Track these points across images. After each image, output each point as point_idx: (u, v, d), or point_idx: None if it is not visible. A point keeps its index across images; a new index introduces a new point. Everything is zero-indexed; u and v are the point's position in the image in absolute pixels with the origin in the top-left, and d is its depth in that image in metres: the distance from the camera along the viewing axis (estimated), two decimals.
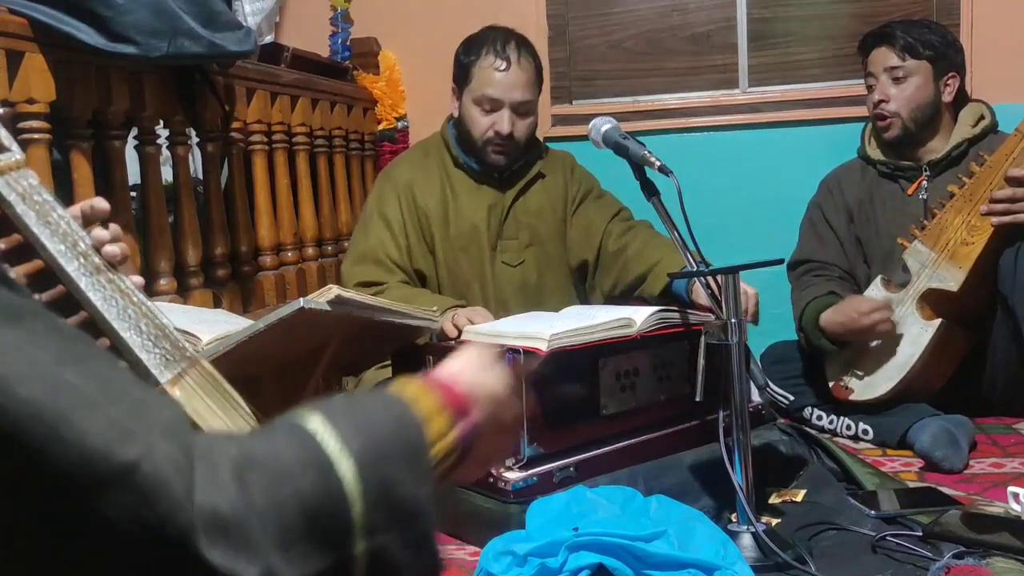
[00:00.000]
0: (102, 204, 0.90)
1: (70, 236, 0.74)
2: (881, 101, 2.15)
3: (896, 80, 2.14)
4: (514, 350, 1.46)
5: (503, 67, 2.10)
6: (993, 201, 1.92)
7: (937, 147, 2.18)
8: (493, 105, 2.10)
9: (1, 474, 0.42)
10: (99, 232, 0.83)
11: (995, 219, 1.92)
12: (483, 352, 0.79)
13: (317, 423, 0.56)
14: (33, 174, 0.73)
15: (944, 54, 2.15)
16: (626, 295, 2.13)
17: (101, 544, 0.43)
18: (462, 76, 2.16)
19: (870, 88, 2.20)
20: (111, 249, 0.81)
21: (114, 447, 0.44)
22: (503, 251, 2.19)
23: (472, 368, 0.76)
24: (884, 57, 2.16)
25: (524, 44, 2.16)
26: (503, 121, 2.10)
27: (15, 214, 0.71)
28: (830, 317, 2.05)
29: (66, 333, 0.48)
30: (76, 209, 0.88)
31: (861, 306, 2.00)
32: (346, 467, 0.54)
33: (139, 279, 0.86)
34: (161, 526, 0.44)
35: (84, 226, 0.85)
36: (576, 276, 2.28)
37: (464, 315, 1.82)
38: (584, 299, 2.28)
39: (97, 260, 0.76)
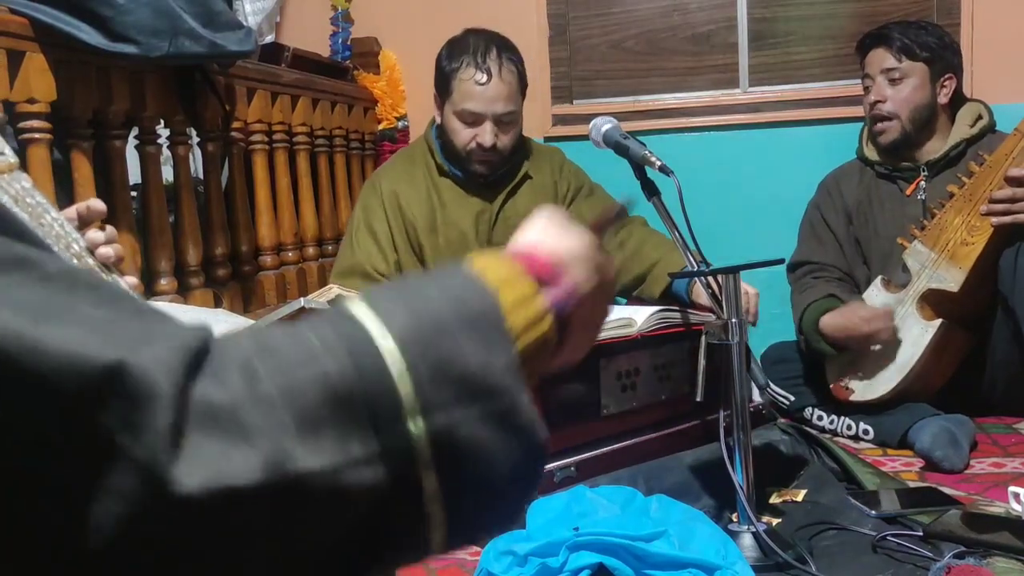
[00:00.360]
0: (98, 205, 0.89)
1: (63, 238, 0.74)
2: (877, 102, 2.16)
3: (892, 81, 2.14)
4: None
5: (484, 80, 2.03)
6: (993, 201, 1.92)
7: (934, 148, 2.18)
8: (475, 119, 2.05)
9: None
10: (94, 234, 0.82)
11: (995, 219, 1.92)
12: (556, 214, 0.69)
13: (356, 305, 0.51)
14: (26, 176, 0.73)
15: (941, 55, 2.15)
16: (624, 295, 2.13)
17: (90, 452, 0.40)
18: (443, 86, 2.10)
19: (867, 89, 2.20)
20: (105, 251, 0.80)
21: (93, 349, 0.41)
22: None
23: (551, 232, 0.67)
24: (881, 58, 2.16)
25: (505, 50, 2.08)
26: (486, 134, 2.05)
27: None
28: (830, 322, 2.04)
29: (61, 281, 0.44)
30: (72, 211, 0.88)
31: (862, 312, 2.00)
32: (386, 342, 0.48)
33: (133, 279, 0.86)
34: (146, 427, 0.40)
35: (81, 227, 0.85)
36: None
37: None
38: None
39: (91, 261, 0.76)
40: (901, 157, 2.21)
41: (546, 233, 0.66)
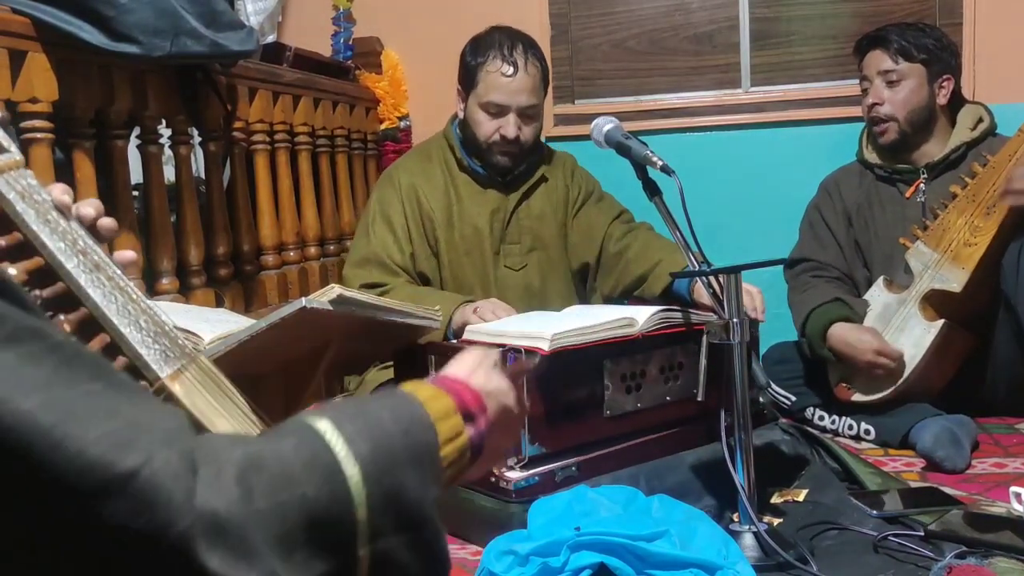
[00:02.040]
0: (87, 211, 0.88)
1: (69, 234, 0.75)
2: (875, 104, 2.16)
3: (890, 83, 2.14)
4: (516, 349, 1.47)
5: (510, 72, 2.08)
6: (1011, 191, 1.91)
7: (933, 150, 2.18)
8: (500, 110, 2.10)
9: (4, 486, 0.43)
10: (84, 209, 0.81)
11: (1011, 199, 1.90)
12: (489, 353, 0.81)
13: (325, 426, 0.56)
14: (31, 174, 0.74)
15: (938, 57, 2.15)
16: (626, 295, 2.13)
17: (101, 552, 0.44)
18: (468, 79, 2.14)
19: (864, 91, 2.21)
20: (128, 255, 0.81)
21: (114, 455, 0.44)
22: (506, 255, 2.19)
23: (481, 368, 0.78)
24: (878, 60, 2.16)
25: (531, 47, 2.14)
26: (509, 126, 2.09)
27: (15, 212, 0.72)
28: (841, 335, 2.02)
29: (67, 351, 0.48)
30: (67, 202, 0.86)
31: (874, 344, 1.97)
32: (353, 471, 0.54)
33: (131, 254, 0.85)
34: (160, 533, 0.44)
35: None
36: (577, 279, 2.27)
37: (488, 308, 1.82)
38: (585, 302, 2.27)
39: (96, 258, 0.76)
40: (900, 159, 2.21)
41: (477, 371, 0.77)
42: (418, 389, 0.68)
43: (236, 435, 0.56)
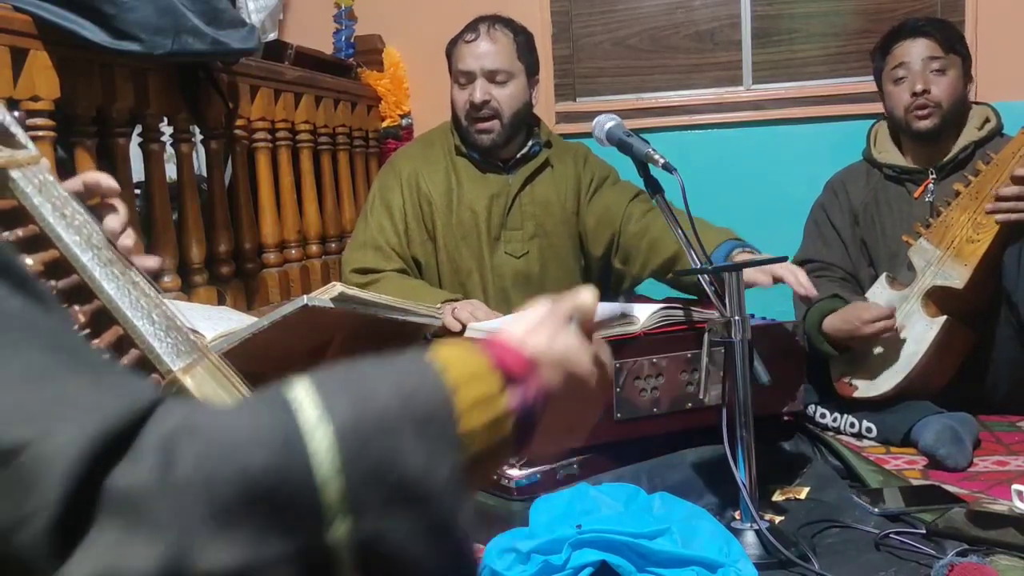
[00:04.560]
0: (109, 182, 0.87)
1: (84, 229, 0.76)
2: (924, 91, 2.10)
3: (936, 71, 2.12)
4: None
5: (471, 38, 2.13)
6: (999, 199, 1.92)
7: (947, 148, 2.17)
8: (467, 78, 2.13)
9: None
10: (111, 221, 0.82)
11: (1000, 216, 1.91)
12: (558, 307, 0.66)
13: (300, 391, 0.49)
14: (48, 167, 0.75)
15: (968, 53, 2.16)
16: (656, 277, 2.10)
17: None
18: (449, 66, 2.20)
19: (898, 80, 2.15)
20: (125, 242, 0.81)
21: (4, 428, 0.40)
22: (507, 241, 2.18)
23: (544, 327, 0.64)
24: (924, 48, 2.12)
25: (500, 20, 2.17)
26: (475, 90, 2.11)
27: (32, 205, 0.73)
28: (833, 323, 2.04)
29: (16, 330, 0.44)
30: (78, 182, 0.87)
31: (864, 314, 1.99)
32: (321, 438, 0.46)
33: (153, 262, 0.85)
34: (27, 521, 0.39)
35: (86, 199, 0.85)
36: (598, 266, 2.22)
37: (465, 309, 1.81)
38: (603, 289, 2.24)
39: (110, 253, 0.77)
40: (913, 156, 2.20)
41: (535, 330, 0.63)
42: (441, 350, 0.57)
43: (192, 401, 0.50)
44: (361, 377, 0.52)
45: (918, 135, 2.15)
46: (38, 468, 0.39)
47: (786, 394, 1.69)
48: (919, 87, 2.11)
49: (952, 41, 2.13)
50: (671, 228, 1.55)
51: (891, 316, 1.97)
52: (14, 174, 0.73)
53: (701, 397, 1.59)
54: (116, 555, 0.40)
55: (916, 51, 2.14)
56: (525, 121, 2.21)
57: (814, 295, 1.69)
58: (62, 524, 0.39)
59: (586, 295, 0.68)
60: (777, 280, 1.69)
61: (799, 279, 1.67)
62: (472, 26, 2.16)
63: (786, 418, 1.78)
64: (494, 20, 2.17)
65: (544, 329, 0.63)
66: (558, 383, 0.62)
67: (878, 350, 2.02)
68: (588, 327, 0.67)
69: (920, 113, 2.12)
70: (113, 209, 0.85)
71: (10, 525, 0.39)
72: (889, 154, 2.24)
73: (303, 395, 0.49)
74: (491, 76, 2.11)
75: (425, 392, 0.52)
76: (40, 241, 0.73)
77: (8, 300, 0.45)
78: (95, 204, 0.86)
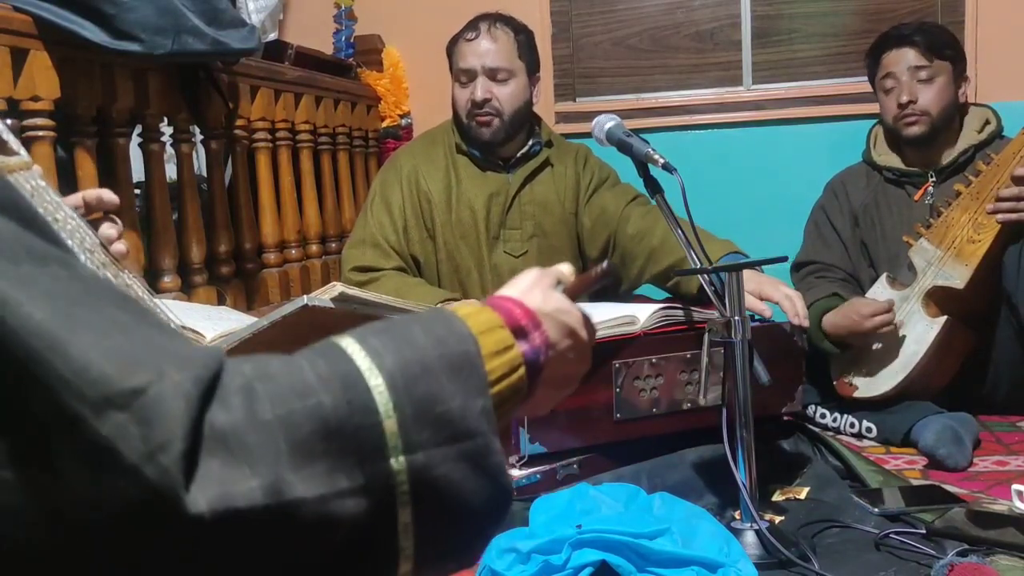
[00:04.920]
0: (110, 196, 0.91)
1: (77, 233, 0.76)
2: (910, 102, 2.12)
3: (922, 81, 2.12)
4: None
5: (472, 36, 2.14)
6: (999, 199, 1.92)
7: (946, 151, 2.17)
8: (468, 76, 2.14)
9: (3, 391, 0.42)
10: (107, 229, 0.84)
11: (1001, 216, 1.91)
12: (546, 273, 0.74)
13: (348, 341, 0.54)
14: (40, 173, 0.75)
15: (960, 55, 2.16)
16: (656, 283, 2.10)
17: (97, 466, 0.43)
18: (450, 64, 2.21)
19: (888, 91, 2.17)
20: (119, 247, 0.82)
21: (122, 372, 0.43)
22: (506, 240, 2.19)
23: (537, 288, 0.71)
24: (908, 57, 2.13)
25: (501, 18, 2.18)
26: (477, 88, 2.11)
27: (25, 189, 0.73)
28: (832, 320, 2.04)
29: (92, 282, 0.48)
30: (78, 198, 0.89)
31: (863, 309, 1.99)
32: (376, 380, 0.51)
33: (122, 247, 0.87)
34: (158, 453, 0.43)
35: (87, 214, 0.87)
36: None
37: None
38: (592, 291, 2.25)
39: (103, 256, 0.77)
40: (912, 159, 2.20)
41: (530, 291, 0.70)
42: (460, 307, 0.63)
43: (252, 356, 0.52)
44: (397, 328, 0.57)
45: (908, 141, 2.17)
46: (162, 405, 0.43)
47: (785, 394, 1.70)
48: (904, 98, 2.13)
49: (938, 47, 2.12)
50: (671, 228, 1.55)
51: (889, 310, 1.97)
52: (7, 180, 0.72)
53: (701, 397, 1.59)
54: (226, 485, 0.44)
55: (902, 60, 2.15)
56: (526, 120, 2.21)
57: (805, 325, 1.70)
58: (186, 454, 0.43)
59: (565, 267, 0.77)
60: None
61: (796, 308, 1.68)
62: (473, 24, 2.17)
63: (785, 418, 1.78)
64: (495, 19, 2.17)
65: (537, 290, 0.71)
66: (557, 336, 0.69)
67: (878, 350, 2.02)
68: (571, 290, 0.75)
69: (907, 121, 2.14)
70: (111, 220, 0.87)
71: (143, 453, 0.42)
72: (888, 157, 2.24)
73: (349, 344, 0.53)
74: (492, 74, 2.12)
75: (455, 339, 0.57)
76: None
77: (81, 266, 0.50)
78: (95, 219, 0.88)
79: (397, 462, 0.50)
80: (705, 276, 1.51)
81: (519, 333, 0.64)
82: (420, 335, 0.56)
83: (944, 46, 2.13)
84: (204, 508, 0.43)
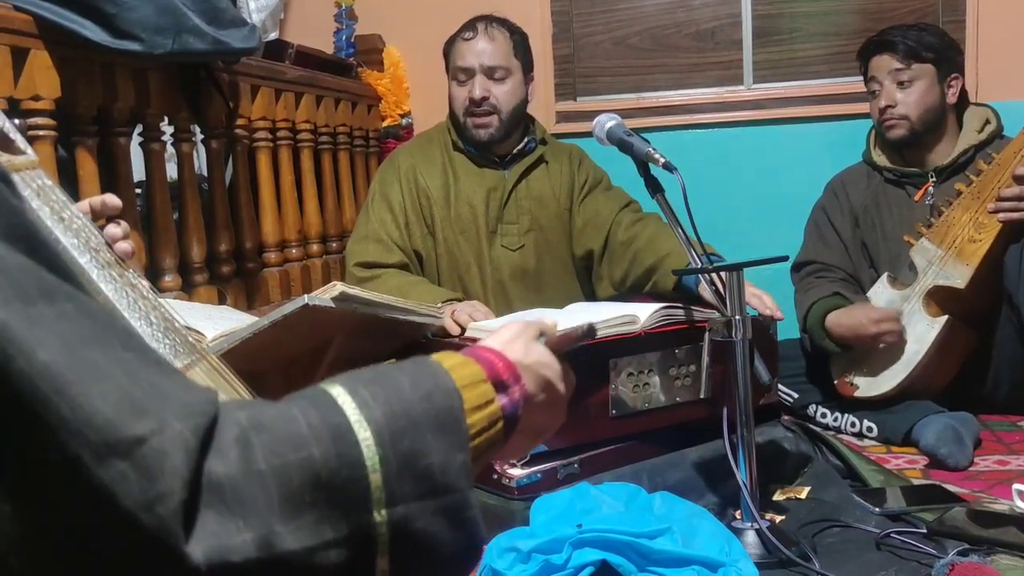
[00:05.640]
0: (113, 200, 0.93)
1: (83, 232, 0.76)
2: (888, 107, 2.14)
3: (901, 84, 2.13)
4: None
5: (469, 36, 2.18)
6: (1001, 199, 1.92)
7: (942, 151, 2.17)
8: (466, 75, 2.17)
9: (8, 430, 0.43)
10: (112, 229, 0.85)
11: (1002, 215, 1.91)
12: (530, 325, 0.77)
13: (338, 390, 0.55)
14: (46, 174, 0.75)
15: (945, 56, 2.15)
16: (636, 288, 2.12)
17: (94, 513, 0.44)
18: (446, 64, 2.24)
19: (873, 94, 2.20)
20: (123, 246, 0.83)
21: (125, 420, 0.44)
22: (503, 235, 2.21)
23: (520, 340, 0.74)
24: (887, 63, 2.15)
25: (496, 19, 2.22)
26: (475, 87, 2.15)
27: (30, 208, 0.73)
28: (837, 320, 2.04)
29: (99, 318, 0.48)
30: (85, 205, 0.91)
31: (871, 314, 1.99)
32: (365, 434, 0.53)
33: (127, 246, 0.87)
34: (156, 503, 0.44)
35: (93, 220, 0.87)
36: (580, 266, 2.28)
37: (464, 310, 1.82)
38: (588, 288, 2.28)
39: (108, 255, 0.77)
40: (909, 161, 2.20)
41: (512, 342, 0.73)
42: (445, 358, 0.65)
43: (243, 400, 0.54)
44: (387, 377, 0.58)
45: (891, 144, 2.20)
46: (163, 456, 0.44)
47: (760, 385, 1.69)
48: (883, 102, 2.16)
49: (918, 51, 2.12)
50: (672, 227, 1.55)
51: (897, 320, 1.97)
52: (13, 178, 0.73)
53: (703, 396, 1.60)
54: (221, 538, 0.45)
55: (883, 65, 2.17)
56: (522, 118, 2.25)
57: (780, 317, 1.71)
58: (184, 505, 0.45)
59: (549, 320, 0.80)
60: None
61: (765, 302, 1.70)
62: (469, 25, 2.20)
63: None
64: (491, 19, 2.21)
65: (519, 342, 0.74)
66: (535, 389, 0.72)
67: (879, 350, 2.02)
68: (552, 344, 0.77)
69: (887, 124, 2.17)
70: (115, 221, 0.89)
71: (142, 502, 0.43)
72: (886, 156, 2.24)
73: (340, 394, 0.55)
74: (490, 72, 2.15)
75: (440, 395, 0.59)
76: None
77: (88, 299, 0.50)
78: (101, 224, 0.88)
79: (380, 514, 0.52)
80: (706, 276, 1.51)
81: (499, 387, 0.66)
82: (408, 387, 0.58)
83: (926, 49, 2.13)
84: (201, 560, 0.44)
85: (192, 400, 0.48)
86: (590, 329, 0.83)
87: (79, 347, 0.45)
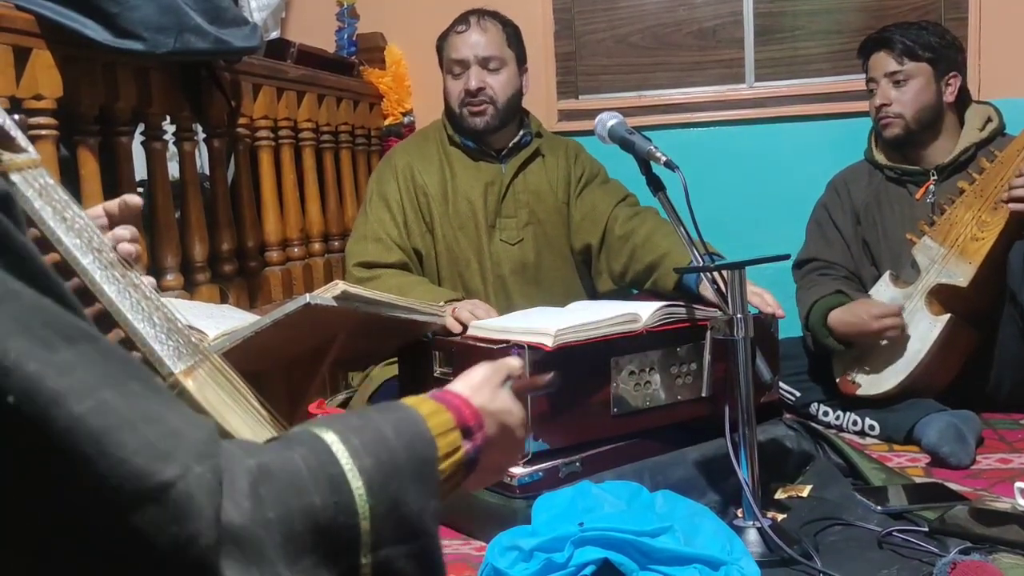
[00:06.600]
0: (135, 200, 0.94)
1: (85, 232, 0.76)
2: (883, 105, 2.15)
3: (897, 84, 2.14)
4: (519, 345, 1.47)
5: (462, 28, 2.19)
6: (1013, 187, 1.92)
7: (942, 149, 2.17)
8: (461, 67, 2.18)
9: (44, 483, 0.44)
10: (120, 231, 0.86)
11: (1013, 205, 1.91)
12: (498, 370, 0.82)
13: (332, 438, 0.59)
14: (47, 172, 0.75)
15: (943, 54, 2.15)
16: (637, 284, 2.12)
17: (130, 557, 0.45)
18: (440, 57, 2.25)
19: (871, 92, 2.21)
20: (127, 247, 0.83)
21: (154, 466, 0.46)
22: (502, 229, 2.21)
23: (487, 386, 0.79)
24: (883, 62, 2.16)
25: (488, 12, 2.24)
26: (470, 78, 2.16)
27: (32, 209, 0.73)
28: (839, 317, 2.04)
29: (111, 355, 0.50)
30: (99, 209, 0.91)
31: (872, 310, 1.99)
32: (358, 483, 0.57)
33: (151, 280, 0.87)
34: (189, 544, 0.46)
35: (115, 224, 0.88)
36: (580, 259, 2.28)
37: (465, 309, 1.82)
38: (588, 282, 2.28)
39: (111, 256, 0.77)
40: (908, 159, 2.20)
41: (479, 388, 0.78)
42: (421, 404, 0.70)
43: (247, 443, 0.56)
44: (373, 426, 0.63)
45: (887, 143, 2.21)
46: (190, 498, 0.46)
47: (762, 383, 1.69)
48: (878, 101, 2.17)
49: (914, 49, 2.13)
50: (673, 226, 1.56)
51: (899, 314, 1.97)
52: (15, 178, 0.73)
53: (704, 395, 1.60)
54: None
55: (879, 64, 2.18)
56: (517, 109, 2.25)
57: (781, 315, 1.71)
58: (211, 547, 0.47)
59: (515, 361, 0.87)
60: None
61: (766, 300, 1.71)
62: (462, 19, 2.22)
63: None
64: (482, 12, 2.23)
65: (486, 388, 0.79)
66: (495, 433, 0.77)
67: (881, 348, 2.02)
68: (517, 388, 0.84)
69: (883, 123, 2.18)
70: (124, 225, 0.89)
71: (177, 544, 0.46)
72: (887, 155, 2.24)
73: (334, 442, 0.59)
74: (485, 63, 2.16)
75: (421, 444, 0.65)
76: (41, 245, 0.73)
77: (100, 336, 0.51)
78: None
79: (366, 558, 0.56)
80: (707, 274, 1.51)
81: (465, 433, 0.72)
82: (392, 437, 0.62)
83: (923, 47, 2.13)
84: None
85: (200, 438, 0.50)
86: (554, 380, 0.91)
87: (103, 391, 0.46)
